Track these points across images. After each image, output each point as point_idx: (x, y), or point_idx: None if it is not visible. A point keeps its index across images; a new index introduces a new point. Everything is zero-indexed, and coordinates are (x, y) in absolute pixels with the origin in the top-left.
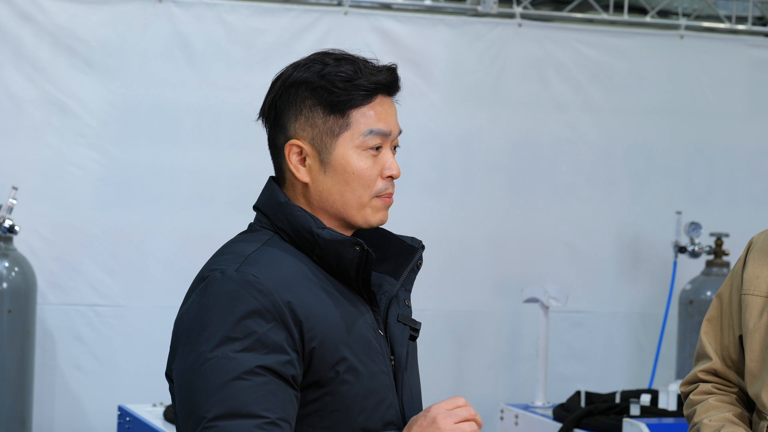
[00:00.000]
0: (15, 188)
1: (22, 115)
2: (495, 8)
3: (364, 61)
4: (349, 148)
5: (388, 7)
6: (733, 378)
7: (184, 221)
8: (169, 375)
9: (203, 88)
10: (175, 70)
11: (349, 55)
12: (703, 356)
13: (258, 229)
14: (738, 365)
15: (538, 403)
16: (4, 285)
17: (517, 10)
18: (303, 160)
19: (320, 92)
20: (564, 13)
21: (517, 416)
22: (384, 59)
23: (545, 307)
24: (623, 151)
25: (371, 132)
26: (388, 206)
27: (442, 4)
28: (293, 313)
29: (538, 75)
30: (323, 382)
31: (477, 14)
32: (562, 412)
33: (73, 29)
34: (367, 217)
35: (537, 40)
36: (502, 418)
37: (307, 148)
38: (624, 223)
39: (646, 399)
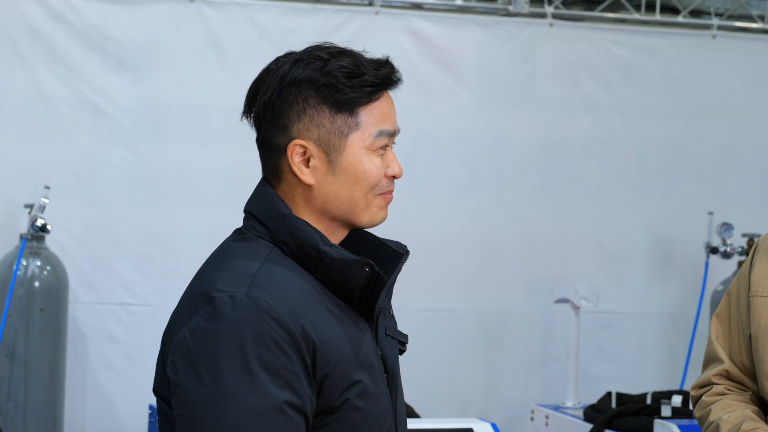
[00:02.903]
0: (47, 187)
1: (55, 114)
2: (526, 8)
3: (360, 55)
4: (359, 149)
5: (419, 6)
6: (746, 380)
7: (215, 221)
8: (157, 390)
9: (234, 88)
10: (206, 70)
11: (343, 48)
12: (714, 359)
13: (254, 238)
14: (749, 367)
15: (569, 404)
16: (37, 284)
17: (549, 9)
18: (307, 161)
19: (325, 90)
20: (595, 13)
21: (547, 417)
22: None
23: (576, 308)
24: (654, 152)
25: (381, 133)
26: (388, 203)
27: (473, 3)
28: (307, 340)
29: (569, 75)
30: (330, 410)
31: (508, 14)
32: (593, 413)
33: (105, 29)
34: (372, 216)
35: (568, 40)
36: (532, 419)
37: (312, 148)
38: (655, 223)
39: (677, 400)
